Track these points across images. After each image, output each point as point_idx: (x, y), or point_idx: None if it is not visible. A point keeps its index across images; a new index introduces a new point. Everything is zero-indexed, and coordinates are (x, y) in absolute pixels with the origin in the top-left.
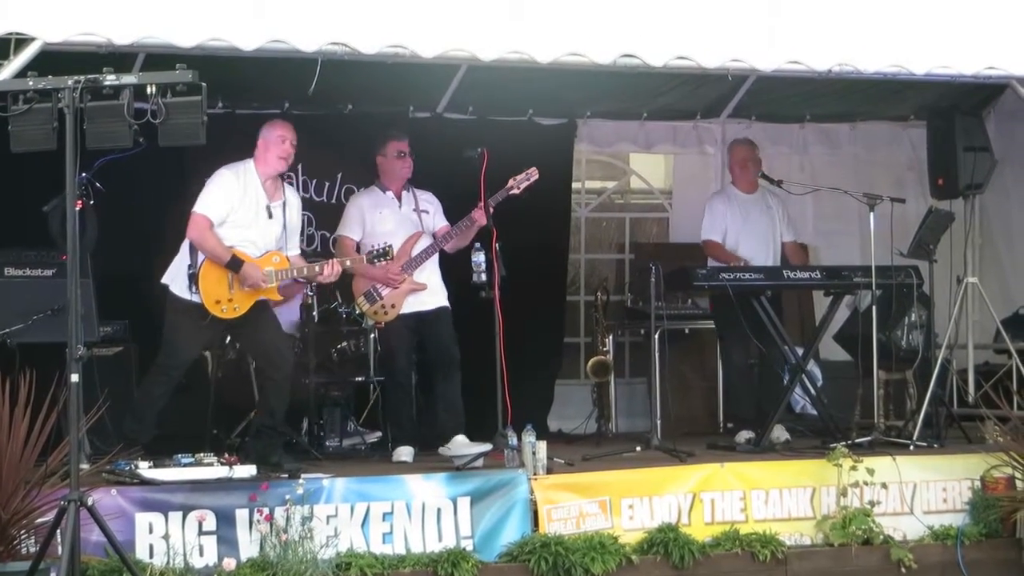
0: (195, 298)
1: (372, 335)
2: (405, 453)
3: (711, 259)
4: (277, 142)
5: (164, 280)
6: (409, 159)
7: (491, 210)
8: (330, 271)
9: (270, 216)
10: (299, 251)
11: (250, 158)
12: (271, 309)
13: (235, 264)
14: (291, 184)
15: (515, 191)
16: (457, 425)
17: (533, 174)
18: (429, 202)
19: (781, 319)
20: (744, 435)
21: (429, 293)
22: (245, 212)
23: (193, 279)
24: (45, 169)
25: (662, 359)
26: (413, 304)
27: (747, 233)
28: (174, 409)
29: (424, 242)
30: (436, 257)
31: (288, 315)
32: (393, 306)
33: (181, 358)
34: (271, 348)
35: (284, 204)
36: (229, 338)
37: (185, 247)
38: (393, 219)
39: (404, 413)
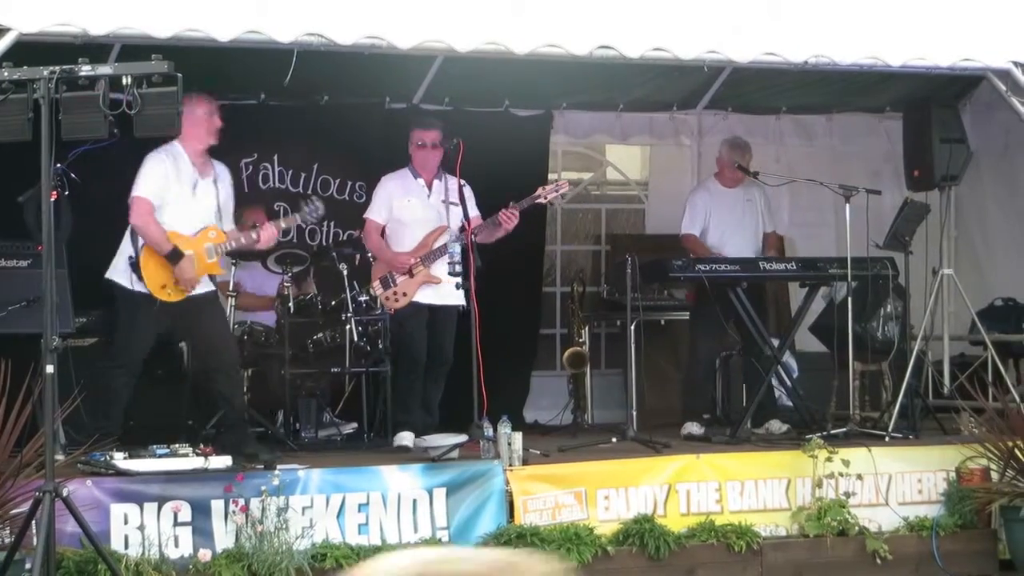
0: (139, 287)
1: (348, 326)
2: (407, 438)
3: (690, 253)
4: (205, 117)
5: (109, 275)
6: (432, 150)
7: (516, 213)
8: (268, 236)
9: (199, 193)
10: (233, 225)
11: (174, 140)
12: (219, 301)
13: (175, 256)
14: (219, 161)
15: (542, 200)
16: (429, 425)
17: (563, 187)
18: (460, 192)
19: (763, 311)
20: (692, 427)
21: (444, 288)
22: (179, 191)
23: (135, 267)
24: (20, 160)
25: (638, 350)
26: (428, 296)
27: (732, 228)
28: (149, 400)
29: (446, 237)
30: None
31: (267, 287)
32: (405, 294)
33: (136, 351)
34: (218, 339)
35: (215, 179)
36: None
37: (127, 238)
38: (420, 208)
39: (413, 398)
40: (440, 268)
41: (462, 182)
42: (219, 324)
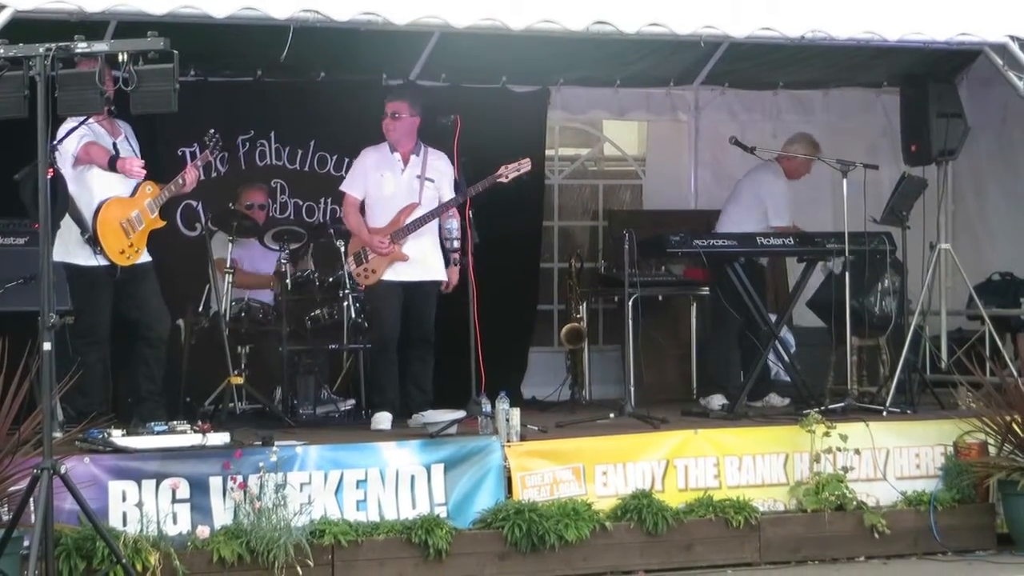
0: (101, 260)
1: (347, 303)
2: (384, 420)
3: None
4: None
5: (62, 259)
6: (395, 121)
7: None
8: (192, 178)
9: (118, 152)
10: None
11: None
12: (153, 273)
13: (113, 162)
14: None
15: (503, 180)
16: (423, 403)
17: (525, 165)
18: (438, 169)
19: (762, 286)
20: (718, 400)
21: (418, 264)
22: (100, 155)
23: (94, 242)
24: (16, 137)
25: (636, 326)
26: (400, 272)
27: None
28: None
29: (417, 214)
30: (434, 228)
31: (264, 265)
32: (374, 271)
33: (103, 324)
34: (152, 310)
35: (127, 136)
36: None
37: (68, 222)
38: (393, 184)
39: (388, 378)
40: (416, 243)
41: (440, 155)
42: (154, 295)
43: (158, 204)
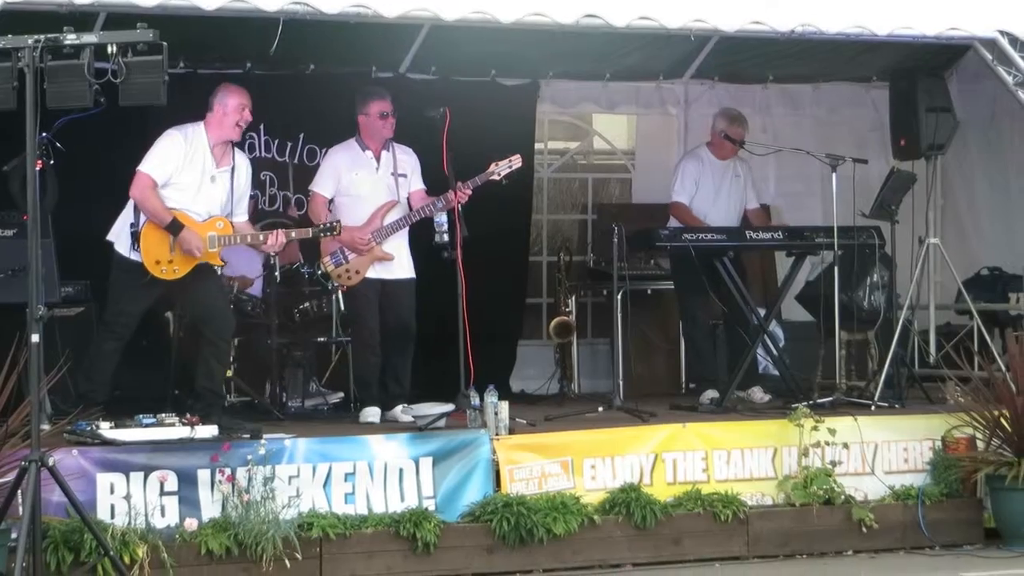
0: (135, 257)
1: (335, 296)
2: (372, 414)
3: (674, 220)
4: (237, 109)
5: (110, 237)
6: (391, 119)
7: (469, 192)
8: (275, 241)
9: (213, 182)
10: (246, 217)
11: (201, 120)
12: (215, 271)
13: (175, 227)
14: (242, 150)
15: (495, 177)
16: (400, 395)
17: (516, 161)
18: (407, 163)
19: (744, 280)
20: (709, 394)
21: (395, 263)
22: (190, 176)
23: (135, 238)
24: (5, 129)
25: (624, 320)
26: (379, 271)
27: (718, 201)
28: (135, 370)
29: (397, 212)
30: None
31: (249, 268)
32: (358, 272)
33: (127, 315)
34: (214, 310)
35: (232, 170)
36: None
37: (130, 205)
38: (369, 182)
39: (371, 374)
40: (391, 243)
41: (406, 149)
42: (214, 293)
43: (222, 243)
